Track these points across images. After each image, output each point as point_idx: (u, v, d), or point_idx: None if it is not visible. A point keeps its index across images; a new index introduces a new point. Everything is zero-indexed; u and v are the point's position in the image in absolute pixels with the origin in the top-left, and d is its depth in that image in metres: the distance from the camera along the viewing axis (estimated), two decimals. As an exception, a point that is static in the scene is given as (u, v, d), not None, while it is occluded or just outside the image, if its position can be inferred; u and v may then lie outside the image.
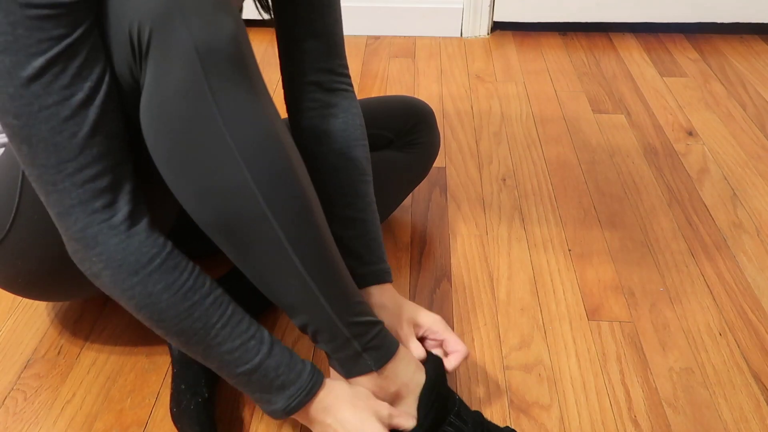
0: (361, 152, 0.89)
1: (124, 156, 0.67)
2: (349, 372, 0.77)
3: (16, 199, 0.76)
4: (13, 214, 0.78)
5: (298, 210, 0.69)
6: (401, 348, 0.79)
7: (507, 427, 0.84)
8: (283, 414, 0.73)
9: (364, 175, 0.88)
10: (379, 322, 0.77)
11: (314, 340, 0.76)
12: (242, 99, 0.64)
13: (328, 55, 0.88)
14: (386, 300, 0.85)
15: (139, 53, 0.63)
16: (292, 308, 0.73)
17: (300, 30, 0.86)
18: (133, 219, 0.67)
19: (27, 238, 0.79)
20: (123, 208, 0.67)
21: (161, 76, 0.62)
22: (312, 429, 0.77)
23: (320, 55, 0.88)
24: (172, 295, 0.67)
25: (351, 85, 0.91)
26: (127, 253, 0.66)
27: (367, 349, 0.75)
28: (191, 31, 0.61)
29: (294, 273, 0.70)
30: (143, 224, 0.68)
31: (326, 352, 0.77)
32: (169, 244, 0.69)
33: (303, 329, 0.75)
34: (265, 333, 0.73)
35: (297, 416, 0.75)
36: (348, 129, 0.88)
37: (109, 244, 0.66)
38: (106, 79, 0.64)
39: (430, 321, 0.86)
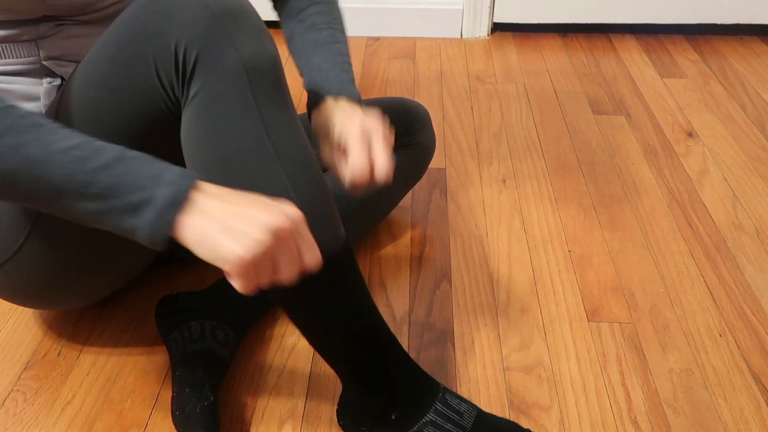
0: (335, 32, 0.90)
1: None
2: None
3: (34, 212, 0.76)
4: (30, 226, 0.77)
5: (330, 224, 0.72)
6: None
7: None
8: (171, 208, 0.57)
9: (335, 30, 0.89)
10: None
11: None
12: (283, 115, 0.69)
13: None
14: (322, 120, 0.79)
15: (183, 71, 0.67)
16: None
17: None
18: None
19: (42, 247, 0.79)
20: None
21: (209, 92, 0.66)
22: (197, 235, 0.58)
23: None
24: None
25: None
26: None
27: None
28: (239, 51, 0.66)
29: None
30: None
31: None
32: None
33: None
34: None
35: (186, 213, 0.58)
36: (318, 15, 0.91)
37: None
38: None
39: (345, 132, 0.75)
